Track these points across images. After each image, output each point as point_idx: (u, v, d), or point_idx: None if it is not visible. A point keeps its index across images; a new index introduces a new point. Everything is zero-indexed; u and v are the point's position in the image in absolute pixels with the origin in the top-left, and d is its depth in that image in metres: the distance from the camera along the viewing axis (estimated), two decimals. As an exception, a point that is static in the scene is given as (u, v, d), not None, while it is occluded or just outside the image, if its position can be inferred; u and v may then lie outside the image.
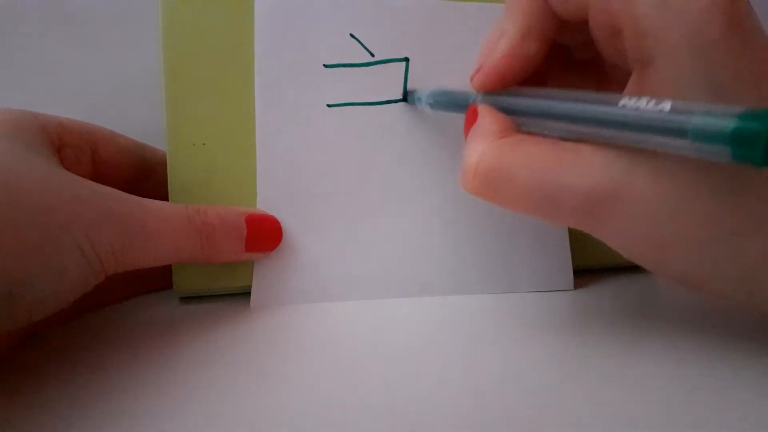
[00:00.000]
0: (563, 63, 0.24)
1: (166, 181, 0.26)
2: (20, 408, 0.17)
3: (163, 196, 0.25)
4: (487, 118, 0.21)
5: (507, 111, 0.21)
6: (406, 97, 0.27)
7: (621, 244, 0.18)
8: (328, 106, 0.26)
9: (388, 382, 0.18)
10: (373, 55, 0.26)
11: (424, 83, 0.26)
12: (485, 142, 0.20)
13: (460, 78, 0.26)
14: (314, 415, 0.16)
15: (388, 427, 0.16)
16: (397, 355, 0.20)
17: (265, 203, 0.26)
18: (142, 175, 0.27)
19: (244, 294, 0.26)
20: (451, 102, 0.24)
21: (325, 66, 0.26)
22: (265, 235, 0.25)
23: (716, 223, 0.16)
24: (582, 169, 0.17)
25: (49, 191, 0.19)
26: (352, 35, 0.26)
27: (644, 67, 0.17)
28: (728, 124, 0.13)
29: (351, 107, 0.26)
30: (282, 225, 0.26)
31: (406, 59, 0.27)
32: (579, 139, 0.18)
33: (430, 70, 0.27)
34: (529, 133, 0.20)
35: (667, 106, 0.15)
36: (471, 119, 0.22)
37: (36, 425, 0.16)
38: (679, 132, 0.14)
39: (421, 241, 0.27)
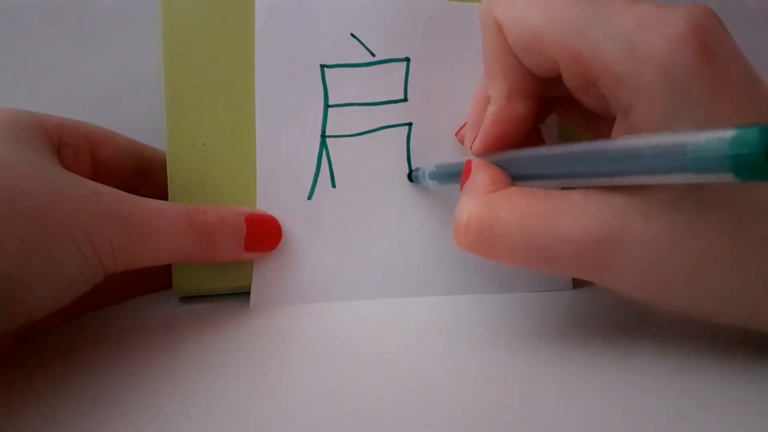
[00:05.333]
0: (569, 108, 0.24)
1: (166, 181, 0.26)
2: (20, 408, 0.17)
3: (163, 196, 0.25)
4: (479, 172, 0.20)
5: (503, 167, 0.21)
6: (410, 176, 0.27)
7: (624, 287, 0.18)
8: (329, 106, 0.26)
9: (387, 382, 0.18)
10: (373, 55, 0.26)
11: (425, 86, 0.27)
12: (476, 197, 0.19)
13: (460, 78, 0.27)
14: (314, 415, 0.16)
15: (388, 427, 0.16)
16: (397, 354, 0.20)
17: (265, 203, 0.26)
18: (142, 174, 0.27)
19: (244, 294, 0.26)
20: (452, 172, 0.23)
21: (326, 66, 0.26)
22: (264, 234, 0.25)
23: (716, 258, 0.16)
24: (574, 217, 0.17)
25: (48, 190, 0.19)
26: (352, 35, 0.26)
27: (626, 112, 0.17)
28: (726, 134, 0.13)
29: (351, 107, 0.26)
30: (281, 225, 0.26)
31: (407, 59, 0.27)
32: (572, 186, 0.18)
33: (430, 71, 0.27)
34: (521, 186, 0.20)
35: (661, 134, 0.15)
36: (466, 175, 0.21)
37: (36, 425, 0.16)
38: (678, 153, 0.14)
39: (421, 241, 0.27)
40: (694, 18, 0.16)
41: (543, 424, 0.16)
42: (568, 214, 0.17)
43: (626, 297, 0.18)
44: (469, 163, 0.22)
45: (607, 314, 0.24)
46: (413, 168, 0.27)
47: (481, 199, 0.19)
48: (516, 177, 0.20)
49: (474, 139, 0.22)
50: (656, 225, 0.16)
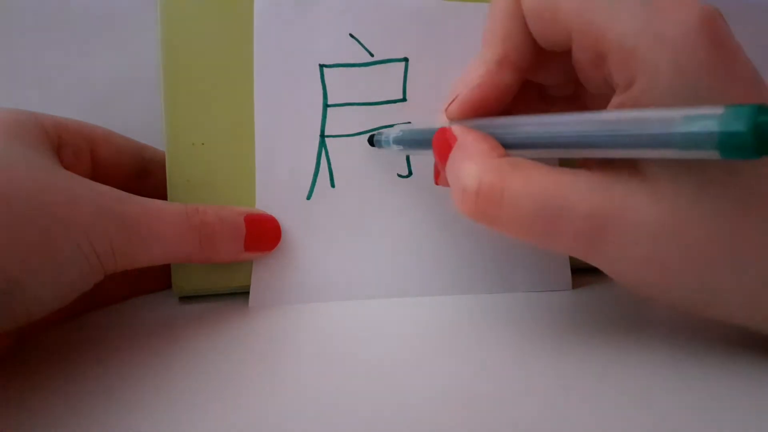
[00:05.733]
0: (538, 102, 0.24)
1: (165, 181, 0.26)
2: (20, 408, 0.17)
3: (162, 196, 0.25)
4: (471, 138, 0.20)
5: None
6: (372, 140, 0.26)
7: (621, 269, 0.18)
8: (327, 106, 0.26)
9: (386, 382, 0.18)
10: (372, 55, 0.26)
11: (424, 86, 0.27)
12: (480, 162, 0.19)
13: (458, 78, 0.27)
14: (313, 415, 0.16)
15: (388, 427, 0.16)
16: (396, 354, 0.20)
17: (264, 203, 0.26)
18: (141, 174, 0.27)
19: (243, 294, 0.26)
20: (421, 138, 0.23)
21: (325, 66, 0.26)
22: (263, 234, 0.25)
23: (718, 245, 0.16)
24: (581, 192, 0.17)
25: (47, 190, 0.19)
26: (351, 35, 0.26)
27: (627, 87, 0.17)
28: (715, 111, 0.13)
29: (350, 107, 0.26)
30: (281, 225, 0.26)
31: (405, 59, 0.27)
32: (570, 160, 0.18)
33: (429, 71, 0.27)
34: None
35: (652, 109, 0.15)
36: (443, 142, 0.21)
37: (36, 425, 0.16)
38: (666, 126, 0.14)
39: (420, 241, 0.27)
40: (706, 9, 0.16)
41: (542, 424, 0.16)
42: (576, 188, 0.17)
43: (621, 282, 0.18)
44: (445, 129, 0.21)
45: (606, 314, 0.24)
46: (374, 133, 0.26)
47: (489, 165, 0.19)
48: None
49: (453, 101, 0.22)
50: (663, 206, 0.16)
